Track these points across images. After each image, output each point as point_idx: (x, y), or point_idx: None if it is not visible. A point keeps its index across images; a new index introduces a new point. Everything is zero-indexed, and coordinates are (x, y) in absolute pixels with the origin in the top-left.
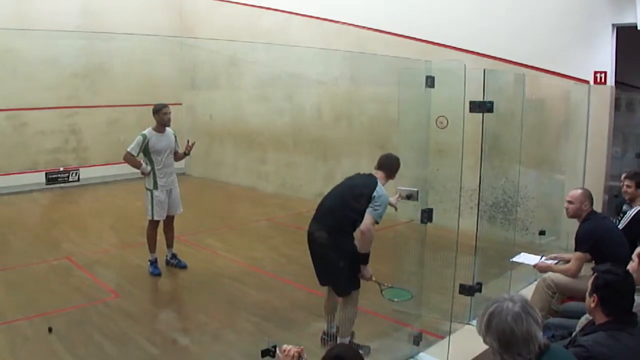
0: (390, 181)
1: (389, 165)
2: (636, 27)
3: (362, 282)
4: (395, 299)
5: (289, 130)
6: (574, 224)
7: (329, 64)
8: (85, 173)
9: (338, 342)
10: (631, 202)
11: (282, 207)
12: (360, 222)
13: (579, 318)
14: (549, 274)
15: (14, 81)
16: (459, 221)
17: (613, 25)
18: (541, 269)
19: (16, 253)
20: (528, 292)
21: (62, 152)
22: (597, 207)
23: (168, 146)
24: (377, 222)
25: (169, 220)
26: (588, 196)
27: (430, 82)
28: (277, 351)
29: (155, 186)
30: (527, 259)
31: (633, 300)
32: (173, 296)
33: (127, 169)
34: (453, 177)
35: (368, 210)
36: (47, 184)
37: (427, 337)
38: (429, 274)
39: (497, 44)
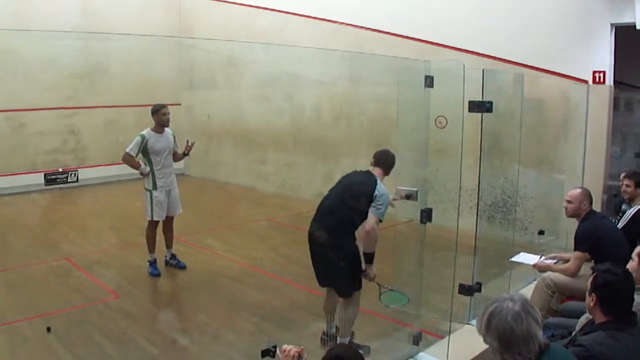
0: (390, 180)
1: (385, 162)
2: (635, 26)
3: (363, 282)
4: (392, 305)
5: (288, 130)
6: (573, 224)
7: (328, 64)
8: (84, 174)
9: (338, 342)
10: (630, 202)
11: (281, 207)
12: (360, 221)
13: (578, 317)
14: (549, 274)
15: (13, 82)
16: (458, 221)
17: (612, 24)
18: (540, 268)
19: (16, 254)
20: (527, 291)
21: (60, 152)
22: (596, 206)
23: (167, 147)
24: (380, 221)
25: (169, 221)
26: (587, 195)
27: (429, 82)
28: (277, 351)
29: (155, 187)
30: (526, 258)
31: (632, 299)
32: (173, 296)
33: (126, 170)
34: (452, 177)
35: (371, 209)
36: (46, 185)
37: (426, 337)
38: (428, 273)
39: (496, 44)
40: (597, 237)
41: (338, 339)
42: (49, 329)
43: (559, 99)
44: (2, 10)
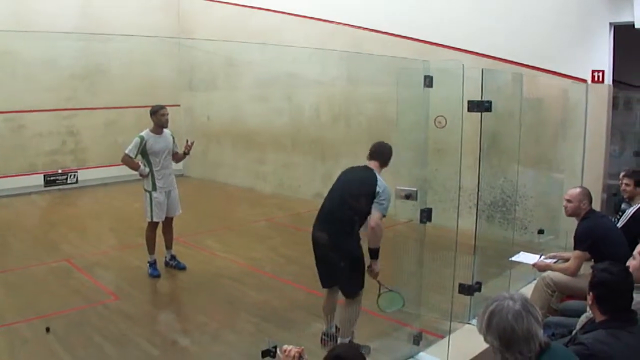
0: (389, 181)
1: (382, 154)
2: (634, 25)
3: (365, 282)
4: (387, 310)
5: (287, 131)
6: (573, 223)
7: (326, 64)
8: (83, 175)
9: (338, 342)
10: (630, 201)
11: (280, 208)
12: (363, 220)
13: (578, 316)
14: (548, 273)
15: (13, 83)
16: (458, 221)
17: (610, 23)
18: (540, 267)
19: (15, 255)
20: (527, 291)
21: (60, 154)
22: (596, 205)
23: (166, 147)
24: (384, 216)
25: (168, 222)
26: (587, 195)
27: (428, 81)
28: (278, 351)
29: (154, 187)
30: (526, 258)
31: (631, 298)
32: (172, 297)
33: (125, 171)
34: (452, 177)
35: (374, 205)
36: (45, 186)
37: (427, 336)
38: (428, 273)
39: (495, 44)
40: (596, 236)
41: (339, 339)
42: (47, 329)
43: (558, 99)
44: (3, 11)
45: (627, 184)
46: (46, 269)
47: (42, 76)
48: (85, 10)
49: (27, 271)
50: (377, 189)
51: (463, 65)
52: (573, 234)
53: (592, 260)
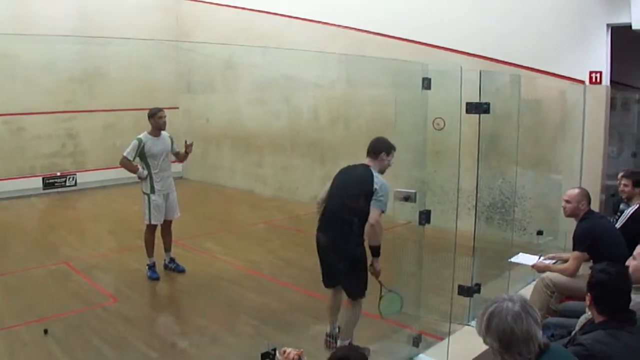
0: (388, 182)
1: (372, 147)
2: (631, 26)
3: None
4: (386, 313)
5: (286, 133)
6: (572, 224)
7: (325, 66)
8: (82, 177)
9: (338, 344)
10: (628, 201)
11: (279, 210)
12: (363, 220)
13: (577, 317)
14: (547, 274)
15: (11, 86)
16: (456, 222)
17: (608, 25)
18: (539, 268)
19: (14, 258)
20: (527, 292)
21: (59, 156)
22: (594, 206)
23: (164, 150)
24: (383, 212)
25: (167, 225)
26: (585, 195)
27: (426, 84)
28: (277, 354)
29: (152, 190)
30: (525, 259)
31: (628, 299)
32: (171, 300)
33: (124, 173)
34: (450, 179)
35: (372, 202)
36: (44, 189)
37: (426, 338)
38: (427, 275)
39: (493, 45)
40: (595, 236)
41: (339, 341)
42: (46, 331)
43: (556, 100)
44: (1, 14)
45: (625, 185)
46: (45, 271)
47: (41, 79)
48: (84, 13)
49: (26, 274)
50: (374, 186)
51: (461, 67)
52: (572, 235)
53: (591, 261)
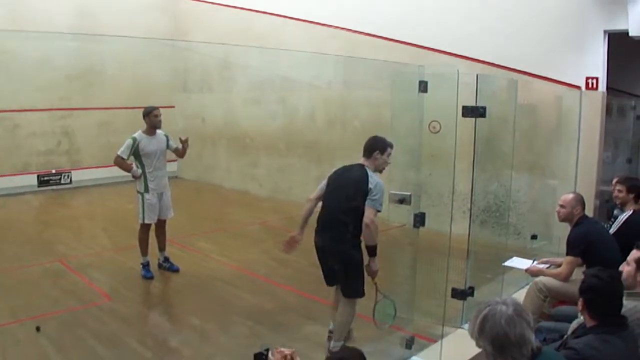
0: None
1: (365, 147)
2: (627, 33)
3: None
4: (381, 322)
5: (281, 134)
6: (566, 229)
7: (322, 67)
8: (77, 175)
9: (332, 345)
10: (622, 207)
11: (274, 211)
12: (356, 220)
13: (570, 322)
14: (541, 278)
15: (7, 83)
16: (451, 225)
17: (604, 31)
18: (533, 273)
19: (8, 255)
20: (520, 296)
21: (54, 154)
22: (589, 211)
23: (158, 149)
24: (379, 211)
25: (161, 225)
26: (580, 200)
27: (423, 86)
28: (270, 354)
29: (146, 189)
30: (519, 263)
31: (620, 304)
32: (165, 299)
33: (119, 172)
34: (445, 182)
35: (367, 202)
36: (39, 186)
37: (419, 340)
38: (421, 278)
39: (490, 49)
40: (589, 241)
41: (332, 342)
42: (38, 329)
43: (552, 105)
44: None
45: (619, 190)
46: (39, 269)
47: (36, 76)
48: (80, 10)
49: (19, 272)
50: (369, 185)
51: (458, 71)
52: (566, 240)
53: (584, 265)
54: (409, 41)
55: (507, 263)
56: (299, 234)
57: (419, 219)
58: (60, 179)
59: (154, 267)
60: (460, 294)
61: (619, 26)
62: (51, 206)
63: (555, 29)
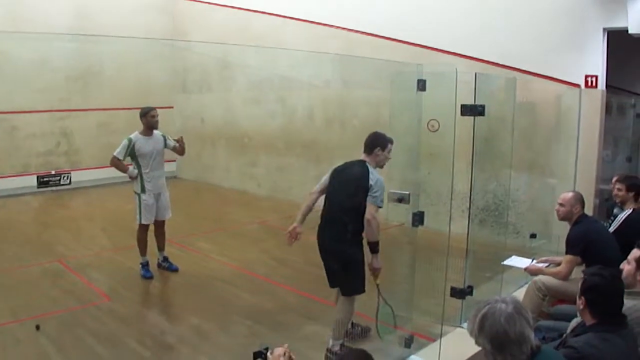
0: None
1: (366, 144)
2: (627, 31)
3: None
4: (382, 334)
5: (280, 133)
6: (565, 227)
7: (320, 67)
8: (77, 176)
9: (330, 343)
10: (622, 205)
11: (273, 210)
12: (358, 217)
13: (569, 320)
14: (540, 277)
15: (5, 84)
16: (450, 224)
17: (604, 29)
18: (532, 271)
19: (8, 256)
20: (519, 294)
21: (53, 155)
22: (588, 210)
23: (155, 150)
24: (380, 207)
25: (160, 225)
26: (579, 199)
27: (421, 85)
28: (268, 354)
29: (143, 190)
30: (518, 262)
31: (621, 302)
32: (164, 299)
33: (118, 173)
34: (444, 181)
35: (368, 199)
36: (38, 187)
37: (418, 339)
38: (420, 276)
39: (489, 48)
40: (588, 240)
41: (330, 340)
42: (37, 327)
43: (551, 103)
44: None
45: (619, 189)
46: (39, 269)
47: (35, 77)
48: (78, 11)
49: (19, 272)
50: (370, 182)
51: (456, 69)
52: (565, 239)
53: (584, 264)
54: (409, 40)
55: (506, 262)
56: (299, 225)
57: (418, 218)
58: (59, 180)
59: (153, 267)
60: (459, 293)
61: (618, 24)
62: (50, 207)
63: (555, 27)
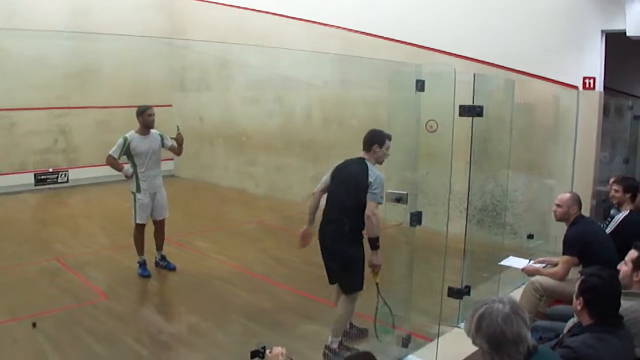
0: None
1: (365, 142)
2: (625, 33)
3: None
4: (381, 335)
5: (279, 133)
6: (562, 228)
7: (319, 66)
8: (74, 174)
9: (329, 341)
10: (619, 207)
11: (272, 210)
12: (359, 215)
13: (566, 321)
14: (537, 277)
15: (3, 81)
16: (447, 224)
17: (602, 31)
18: (529, 272)
19: (5, 254)
20: (516, 295)
21: (51, 152)
22: (585, 211)
23: (151, 149)
24: (380, 203)
25: (158, 225)
26: (576, 200)
27: (420, 85)
28: (267, 352)
29: (138, 189)
30: (515, 262)
31: (618, 303)
32: (162, 298)
33: (115, 171)
34: (442, 181)
35: (368, 196)
36: (36, 185)
37: (415, 339)
38: (417, 276)
39: (488, 49)
40: (585, 241)
41: (329, 337)
42: (34, 325)
43: (549, 105)
44: None
45: (616, 190)
46: (36, 268)
47: (33, 74)
48: (76, 9)
49: (17, 270)
50: (369, 179)
51: (455, 70)
52: (562, 239)
53: (581, 265)
54: (408, 41)
55: (504, 262)
56: (309, 227)
57: (416, 218)
58: (57, 177)
59: (150, 265)
60: (457, 293)
61: (616, 26)
62: (48, 205)
63: (553, 28)
